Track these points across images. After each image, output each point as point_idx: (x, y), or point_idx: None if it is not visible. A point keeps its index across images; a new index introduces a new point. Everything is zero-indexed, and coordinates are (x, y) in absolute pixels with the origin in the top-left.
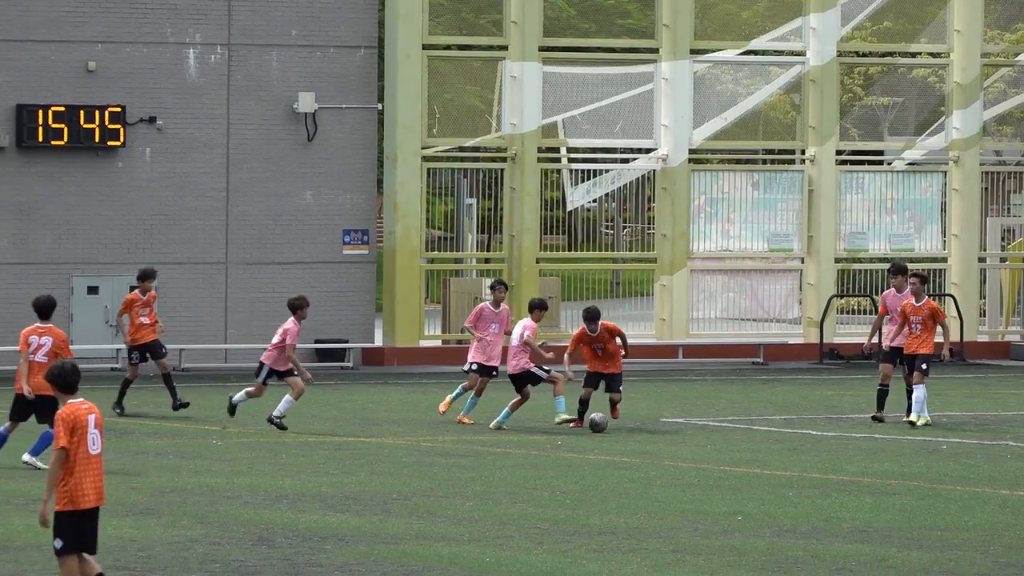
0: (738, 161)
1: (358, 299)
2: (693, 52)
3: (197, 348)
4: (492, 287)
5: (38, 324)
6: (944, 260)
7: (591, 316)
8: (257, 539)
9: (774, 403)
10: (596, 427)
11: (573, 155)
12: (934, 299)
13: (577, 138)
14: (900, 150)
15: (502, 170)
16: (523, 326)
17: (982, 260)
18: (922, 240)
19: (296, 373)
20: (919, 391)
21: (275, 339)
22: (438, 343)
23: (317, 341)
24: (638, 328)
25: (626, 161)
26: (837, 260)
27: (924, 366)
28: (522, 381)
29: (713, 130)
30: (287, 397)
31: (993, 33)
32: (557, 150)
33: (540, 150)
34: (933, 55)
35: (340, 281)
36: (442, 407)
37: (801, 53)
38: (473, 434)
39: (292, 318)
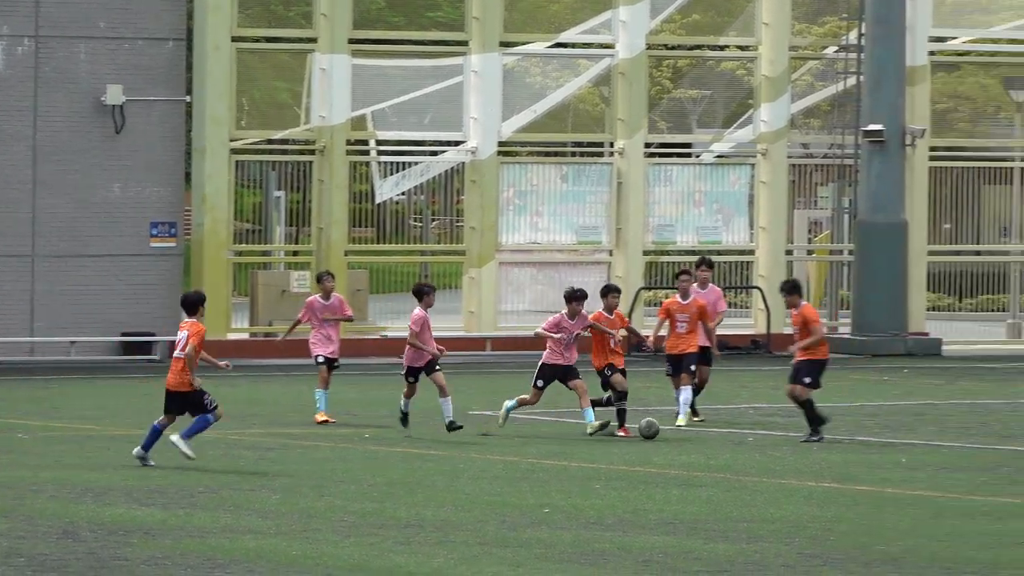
0: (547, 154)
1: (165, 292)
2: (503, 45)
3: (3, 341)
4: (319, 278)
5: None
6: (752, 252)
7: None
8: (62, 533)
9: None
10: (648, 432)
11: (382, 148)
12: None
13: (386, 130)
14: (708, 143)
15: (311, 163)
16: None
17: (789, 253)
18: (730, 232)
19: (437, 368)
20: (686, 392)
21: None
22: (246, 336)
23: (123, 334)
24: (447, 321)
25: (435, 154)
26: (645, 252)
27: (693, 368)
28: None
29: (522, 123)
30: (444, 400)
31: (801, 27)
32: (366, 143)
33: (349, 143)
34: (742, 48)
35: (147, 274)
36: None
37: (610, 46)
38: (280, 427)
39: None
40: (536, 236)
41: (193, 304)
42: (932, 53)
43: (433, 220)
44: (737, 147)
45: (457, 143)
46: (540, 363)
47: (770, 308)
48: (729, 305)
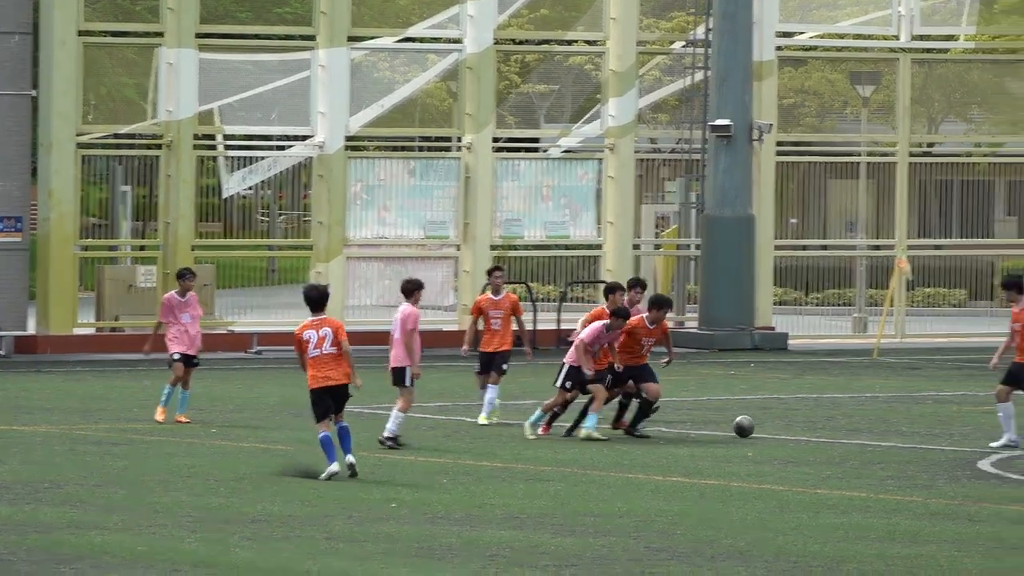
0: (395, 148)
1: (11, 287)
2: (350, 39)
3: None
4: (181, 275)
5: (313, 318)
6: (599, 247)
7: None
8: None
9: (429, 390)
10: (743, 430)
11: (229, 142)
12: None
13: (234, 125)
14: (556, 137)
15: (157, 157)
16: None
17: (637, 247)
18: (577, 227)
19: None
20: (492, 392)
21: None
22: (92, 331)
23: None
24: (294, 315)
25: (283, 148)
26: (493, 247)
27: (504, 367)
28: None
29: (370, 117)
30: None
31: (649, 21)
32: (213, 137)
33: (196, 137)
34: (589, 43)
35: None
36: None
37: (458, 40)
38: (127, 422)
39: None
40: (384, 231)
41: (323, 299)
42: (779, 48)
43: (280, 215)
44: (585, 142)
45: (304, 138)
46: (569, 366)
47: None
48: (576, 300)
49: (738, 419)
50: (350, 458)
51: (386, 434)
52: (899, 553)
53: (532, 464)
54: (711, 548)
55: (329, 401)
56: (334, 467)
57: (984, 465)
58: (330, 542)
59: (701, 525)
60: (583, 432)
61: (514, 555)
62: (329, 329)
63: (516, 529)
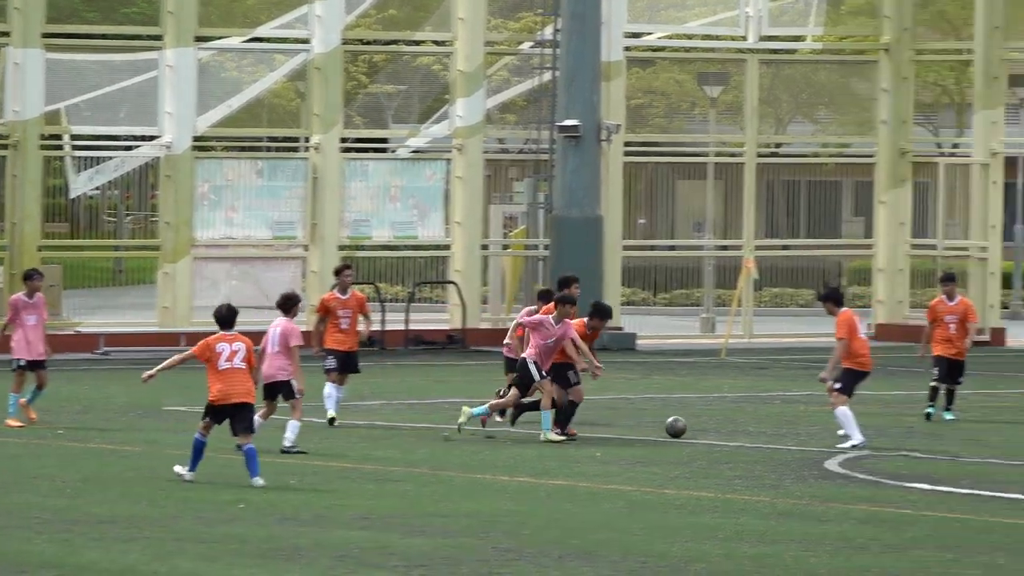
0: (243, 148)
1: None
2: (198, 39)
3: None
4: (28, 276)
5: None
6: (447, 247)
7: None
8: None
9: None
10: (675, 430)
11: (76, 142)
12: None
13: (80, 125)
14: (404, 138)
15: (4, 157)
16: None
17: (485, 247)
18: (425, 227)
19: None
20: (340, 392)
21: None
22: None
23: None
24: (141, 316)
25: (130, 148)
26: (341, 247)
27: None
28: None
29: (217, 117)
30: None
31: (497, 21)
32: (60, 137)
33: (43, 137)
34: (437, 43)
35: None
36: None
37: (306, 41)
38: None
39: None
40: (231, 231)
41: (232, 317)
42: (627, 49)
43: (128, 215)
44: (433, 142)
45: (152, 138)
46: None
47: (466, 303)
48: (424, 300)
49: (672, 421)
50: (257, 481)
51: (287, 444)
52: (747, 553)
53: (381, 464)
54: (558, 548)
55: (226, 416)
56: (189, 475)
57: (831, 465)
58: (178, 543)
59: (548, 525)
60: (542, 435)
61: (363, 555)
62: (243, 345)
63: (365, 529)
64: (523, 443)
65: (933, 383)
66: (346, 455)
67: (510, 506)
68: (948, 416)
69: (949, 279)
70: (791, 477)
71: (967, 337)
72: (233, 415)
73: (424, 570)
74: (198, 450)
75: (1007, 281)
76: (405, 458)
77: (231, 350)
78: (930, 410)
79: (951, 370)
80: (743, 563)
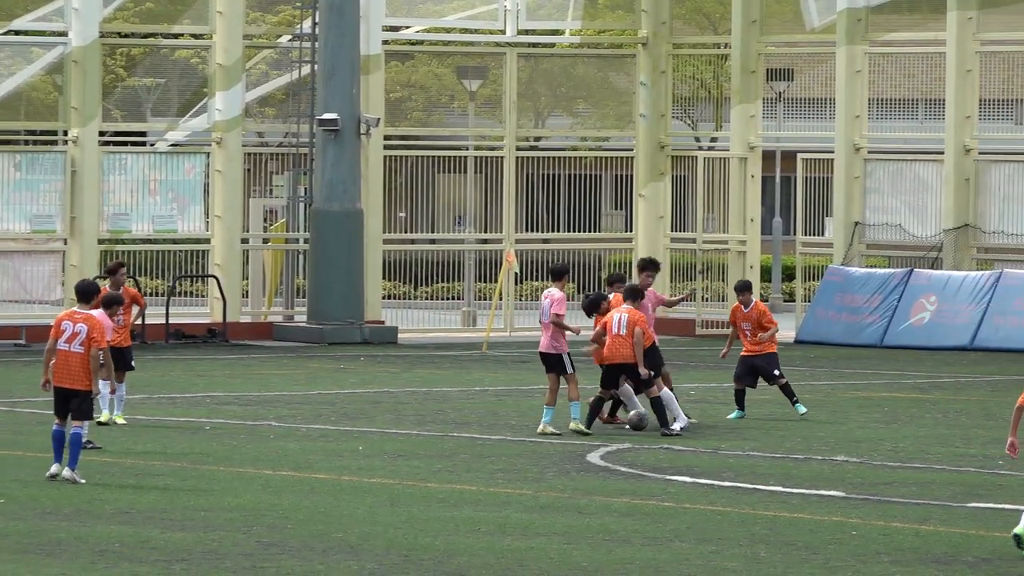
0: (0, 143)
1: None
2: None
3: None
4: None
5: (78, 310)
6: (207, 241)
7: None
8: None
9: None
10: (638, 426)
11: None
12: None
13: None
14: (163, 131)
15: None
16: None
17: (245, 241)
18: (185, 221)
19: None
20: (121, 390)
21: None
22: None
23: None
24: None
25: None
26: (100, 241)
27: (133, 363)
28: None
29: None
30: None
31: (255, 15)
32: None
33: None
34: (196, 36)
35: None
36: None
37: (63, 34)
38: None
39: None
40: None
41: (87, 291)
42: (386, 42)
43: None
44: (192, 136)
45: None
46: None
47: (226, 297)
48: (184, 295)
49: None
50: (67, 473)
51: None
52: (510, 546)
53: (142, 459)
54: (322, 542)
55: (62, 401)
56: (54, 467)
57: (593, 458)
58: None
59: (312, 519)
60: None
61: (124, 550)
62: (84, 327)
63: (126, 524)
64: (286, 437)
65: (737, 387)
66: (107, 449)
67: (273, 500)
68: (801, 409)
69: (744, 288)
70: (553, 470)
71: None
72: (68, 399)
73: (185, 564)
74: (54, 440)
75: (766, 274)
76: (166, 452)
77: (72, 331)
78: (733, 415)
79: (753, 370)
80: (506, 556)
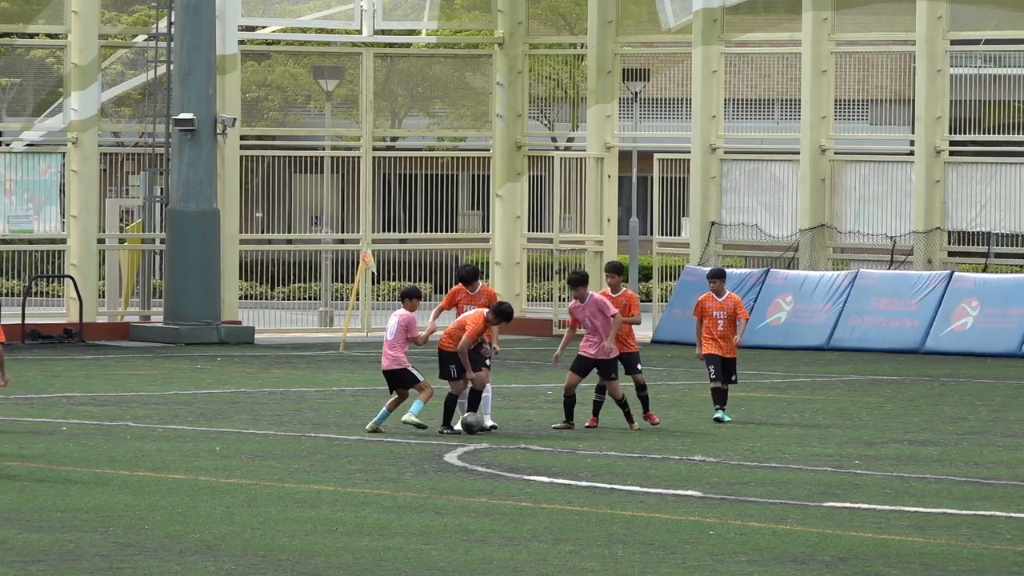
0: None
1: None
2: None
3: None
4: None
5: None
6: (64, 241)
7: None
8: None
9: None
10: (471, 428)
11: None
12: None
13: None
14: (19, 131)
15: None
16: None
17: (101, 241)
18: (42, 222)
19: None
20: None
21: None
22: None
23: None
24: None
25: None
26: None
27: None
28: None
29: None
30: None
31: (111, 15)
32: None
33: None
34: (51, 36)
35: None
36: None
37: None
38: None
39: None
40: None
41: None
42: (242, 42)
43: None
44: (48, 136)
45: None
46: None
47: (82, 297)
48: (40, 295)
49: (465, 417)
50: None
51: None
52: (367, 546)
53: None
54: (179, 543)
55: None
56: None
57: (451, 458)
58: None
59: (169, 520)
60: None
61: None
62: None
63: None
64: (142, 438)
65: (714, 385)
66: None
67: (130, 500)
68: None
69: (717, 275)
70: (411, 470)
71: (736, 335)
72: None
73: (42, 566)
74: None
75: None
76: (22, 453)
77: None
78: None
79: (726, 367)
80: (363, 556)
